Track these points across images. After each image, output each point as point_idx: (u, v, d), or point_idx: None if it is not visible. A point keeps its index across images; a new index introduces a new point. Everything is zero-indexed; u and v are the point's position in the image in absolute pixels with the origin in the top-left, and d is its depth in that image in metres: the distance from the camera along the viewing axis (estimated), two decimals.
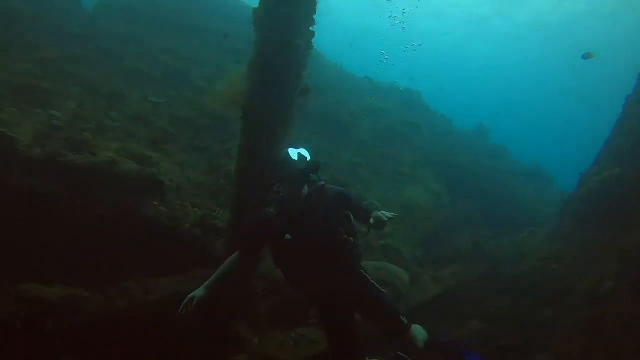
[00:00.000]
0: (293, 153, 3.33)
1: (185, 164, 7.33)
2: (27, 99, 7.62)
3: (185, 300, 3.30)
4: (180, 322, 3.47)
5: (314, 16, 4.51)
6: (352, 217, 3.51)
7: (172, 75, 9.92)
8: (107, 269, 5.18)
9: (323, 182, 3.50)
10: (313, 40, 4.53)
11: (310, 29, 4.51)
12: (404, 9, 13.43)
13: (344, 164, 9.39)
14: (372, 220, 3.21)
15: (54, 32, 10.19)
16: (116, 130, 7.69)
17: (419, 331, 3.70)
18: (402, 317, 3.63)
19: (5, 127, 6.21)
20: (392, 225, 7.94)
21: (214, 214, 6.03)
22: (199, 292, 3.33)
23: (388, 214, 3.25)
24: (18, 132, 6.21)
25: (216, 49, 11.87)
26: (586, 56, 11.53)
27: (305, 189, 3.37)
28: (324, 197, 3.41)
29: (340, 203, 3.45)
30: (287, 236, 3.27)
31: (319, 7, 4.52)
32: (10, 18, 9.71)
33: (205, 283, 3.41)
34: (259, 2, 4.46)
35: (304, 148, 3.47)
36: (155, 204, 5.83)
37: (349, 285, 3.52)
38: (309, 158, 3.38)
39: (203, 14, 12.95)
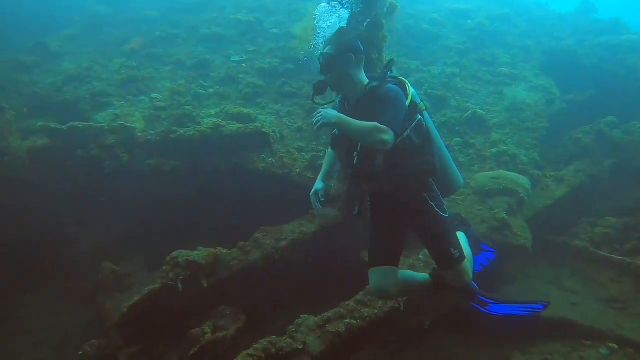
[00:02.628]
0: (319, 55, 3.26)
1: (281, 112, 7.52)
2: (130, 89, 8.29)
3: (312, 196, 3.47)
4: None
5: None
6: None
7: (246, 31, 9.97)
8: (235, 226, 5.68)
9: (377, 83, 3.25)
10: None
11: None
12: None
13: (436, 77, 8.85)
14: None
15: (133, 22, 10.77)
16: (211, 96, 8.07)
17: (469, 265, 3.48)
18: (453, 250, 3.33)
19: (122, 120, 6.89)
20: (501, 130, 7.56)
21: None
22: (319, 185, 3.50)
23: None
24: (132, 122, 6.85)
25: None
26: None
27: (355, 86, 3.27)
28: (372, 97, 3.18)
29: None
30: (335, 131, 3.33)
31: None
32: (96, 21, 10.45)
33: (319, 177, 3.58)
34: None
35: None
36: (264, 157, 6.14)
37: (395, 198, 3.30)
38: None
39: None
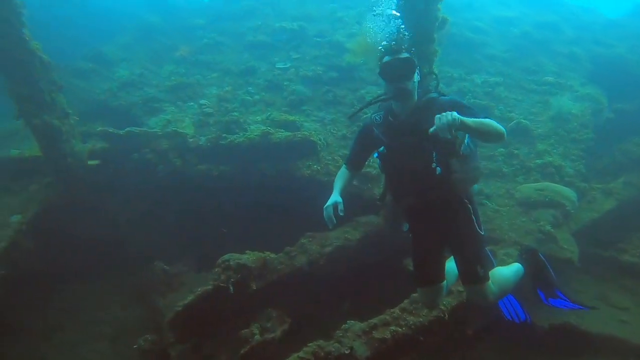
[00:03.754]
0: (394, 60, 3.10)
1: (326, 120, 7.68)
2: (179, 95, 8.67)
3: (328, 208, 3.24)
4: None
5: None
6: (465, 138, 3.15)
7: (290, 39, 10.20)
8: (283, 231, 5.86)
9: (435, 94, 3.24)
10: None
11: None
12: None
13: (479, 86, 8.81)
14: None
15: (182, 29, 11.22)
16: (257, 103, 8.34)
17: (490, 290, 3.33)
18: (479, 268, 3.26)
19: (174, 126, 7.22)
20: (546, 141, 7.46)
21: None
22: (336, 198, 3.31)
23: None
24: (182, 127, 7.17)
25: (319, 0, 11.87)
26: None
27: (414, 98, 3.20)
28: (431, 110, 3.08)
29: None
30: (382, 149, 3.25)
31: None
32: (146, 29, 10.95)
33: (336, 192, 3.39)
34: None
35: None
36: (310, 164, 6.31)
37: (442, 208, 3.27)
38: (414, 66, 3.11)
39: None
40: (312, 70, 8.87)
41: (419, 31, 4.10)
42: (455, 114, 2.69)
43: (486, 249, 3.59)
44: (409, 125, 3.17)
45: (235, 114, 7.62)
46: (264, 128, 6.64)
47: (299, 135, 6.39)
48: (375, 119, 3.37)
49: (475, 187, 3.64)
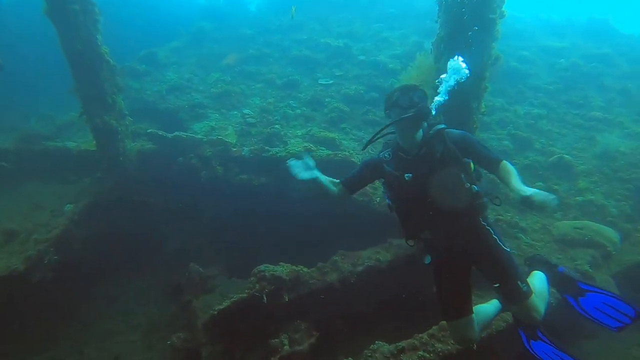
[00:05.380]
0: (404, 97, 3.22)
1: (364, 140, 7.74)
2: (224, 103, 8.94)
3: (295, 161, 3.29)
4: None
5: None
6: (472, 164, 3.28)
7: (334, 55, 10.38)
8: (317, 247, 5.96)
9: (443, 126, 3.34)
10: (504, 8, 4.35)
11: None
12: None
13: (522, 117, 8.72)
14: (519, 198, 2.88)
15: (231, 38, 11.59)
16: (298, 117, 8.50)
17: (539, 302, 3.40)
18: (520, 283, 3.32)
19: (217, 133, 7.46)
20: (589, 178, 7.31)
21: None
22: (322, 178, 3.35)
23: (544, 197, 2.78)
24: (226, 135, 7.40)
25: (365, 19, 12.06)
26: None
27: (420, 133, 3.29)
28: (440, 141, 3.27)
29: (461, 148, 3.26)
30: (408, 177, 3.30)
31: None
32: (199, 35, 11.36)
33: (323, 182, 3.38)
34: None
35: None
36: None
37: (465, 235, 3.33)
38: (422, 101, 3.21)
39: None
40: (353, 89, 8.99)
41: (473, 69, 4.17)
42: (548, 194, 2.81)
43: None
44: (421, 157, 3.28)
45: (277, 126, 7.80)
46: (305, 143, 6.79)
47: (340, 155, 6.50)
48: (385, 156, 3.47)
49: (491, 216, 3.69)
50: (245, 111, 8.67)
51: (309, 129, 7.92)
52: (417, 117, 3.18)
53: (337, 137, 7.55)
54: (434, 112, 3.37)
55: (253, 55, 10.72)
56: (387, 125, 3.33)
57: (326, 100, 8.86)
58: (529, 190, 2.86)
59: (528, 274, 4.02)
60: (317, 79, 9.72)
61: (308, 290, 5.16)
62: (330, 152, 6.61)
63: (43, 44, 8.06)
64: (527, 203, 2.83)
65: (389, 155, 3.46)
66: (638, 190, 7.20)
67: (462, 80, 3.38)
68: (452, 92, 3.43)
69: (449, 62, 3.48)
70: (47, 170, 7.25)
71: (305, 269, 5.22)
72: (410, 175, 3.29)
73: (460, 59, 3.44)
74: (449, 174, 3.22)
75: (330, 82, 9.62)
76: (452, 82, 3.45)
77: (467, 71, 3.42)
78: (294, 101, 9.01)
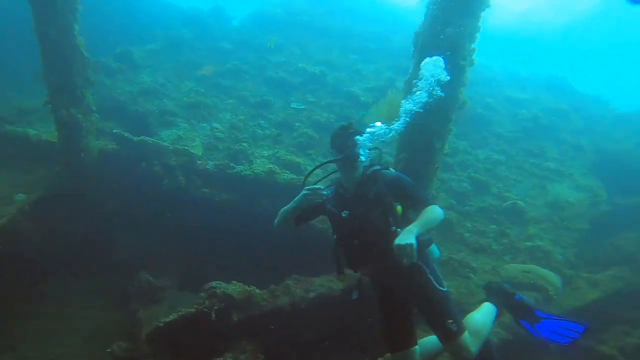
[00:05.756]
0: (338, 140, 3.46)
1: (329, 168, 7.83)
2: (194, 114, 8.89)
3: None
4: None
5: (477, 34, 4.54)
6: (401, 207, 3.42)
7: (309, 81, 10.53)
8: (271, 270, 5.94)
9: (379, 167, 3.52)
10: (474, 56, 4.59)
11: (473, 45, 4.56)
12: None
13: (482, 161, 9.11)
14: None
15: (209, 49, 11.58)
16: (266, 137, 8.55)
17: (471, 340, 3.44)
18: (450, 322, 3.37)
19: (184, 143, 7.39)
20: (538, 225, 7.66)
21: None
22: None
23: (402, 253, 3.01)
24: (193, 147, 7.34)
25: (343, 49, 12.37)
26: None
27: (359, 172, 3.47)
28: (375, 182, 3.44)
29: (392, 190, 3.42)
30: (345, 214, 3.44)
31: None
32: (177, 41, 11.30)
33: (288, 212, 3.71)
34: (420, 23, 4.64)
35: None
36: None
37: (396, 274, 3.43)
38: (353, 146, 3.39)
39: (330, 15, 13.59)
40: (324, 117, 9.15)
41: (438, 110, 4.36)
42: (410, 241, 3.01)
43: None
44: (357, 196, 3.45)
45: (245, 144, 7.81)
46: (270, 165, 6.82)
47: (303, 180, 6.53)
48: (327, 194, 3.61)
49: (438, 253, 3.78)
50: (215, 125, 8.65)
51: (276, 150, 7.98)
52: (344, 160, 3.41)
53: (302, 162, 7.63)
54: (390, 138, 3.58)
55: (229, 70, 10.72)
56: (317, 167, 3.78)
57: (296, 124, 8.96)
58: (404, 239, 3.04)
59: (481, 303, 4.10)
60: (290, 102, 9.82)
61: (259, 312, 5.11)
62: (294, 176, 6.66)
63: (13, 22, 7.75)
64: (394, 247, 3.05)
65: (331, 192, 3.64)
66: (583, 240, 7.61)
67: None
68: (416, 129, 3.57)
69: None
70: (3, 155, 6.94)
71: (257, 290, 5.17)
72: (348, 212, 3.44)
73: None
74: (377, 214, 3.38)
75: (303, 107, 9.74)
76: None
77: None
78: (264, 121, 9.07)
